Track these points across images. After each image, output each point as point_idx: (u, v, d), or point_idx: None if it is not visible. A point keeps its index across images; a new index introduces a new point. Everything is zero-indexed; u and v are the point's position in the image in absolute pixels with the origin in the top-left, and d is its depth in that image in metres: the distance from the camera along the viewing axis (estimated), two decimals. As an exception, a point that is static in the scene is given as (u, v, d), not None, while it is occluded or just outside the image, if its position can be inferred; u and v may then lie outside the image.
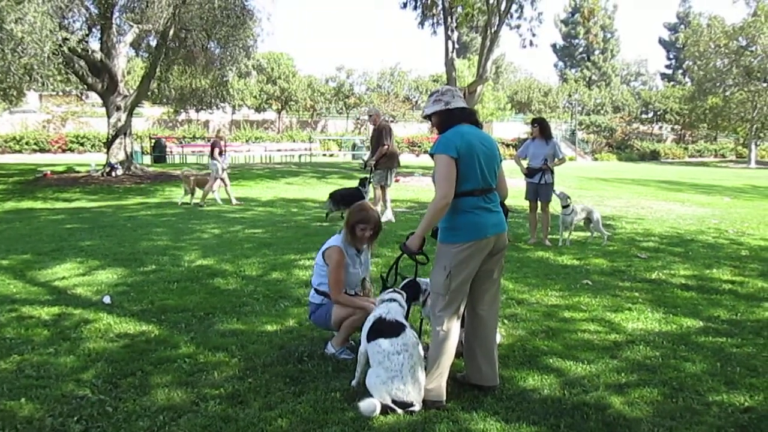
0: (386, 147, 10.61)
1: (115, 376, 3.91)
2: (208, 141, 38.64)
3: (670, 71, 74.07)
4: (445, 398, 3.52)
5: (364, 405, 3.30)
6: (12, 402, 3.55)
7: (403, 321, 3.61)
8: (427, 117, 3.75)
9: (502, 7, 20.75)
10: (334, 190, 11.43)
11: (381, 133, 10.73)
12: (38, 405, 3.51)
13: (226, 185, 13.83)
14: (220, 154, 13.53)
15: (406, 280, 4.17)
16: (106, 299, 5.68)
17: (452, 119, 3.61)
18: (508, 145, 42.53)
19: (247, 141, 40.77)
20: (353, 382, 3.70)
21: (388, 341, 3.45)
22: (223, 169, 13.52)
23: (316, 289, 4.37)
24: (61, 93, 34.43)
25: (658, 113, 59.04)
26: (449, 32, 21.99)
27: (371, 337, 3.54)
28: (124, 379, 3.87)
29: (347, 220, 4.31)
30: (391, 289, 3.85)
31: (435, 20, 24.18)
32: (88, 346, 4.46)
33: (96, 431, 3.22)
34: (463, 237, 3.47)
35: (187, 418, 3.34)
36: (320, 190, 14.57)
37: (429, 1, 23.80)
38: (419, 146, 43.04)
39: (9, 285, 6.33)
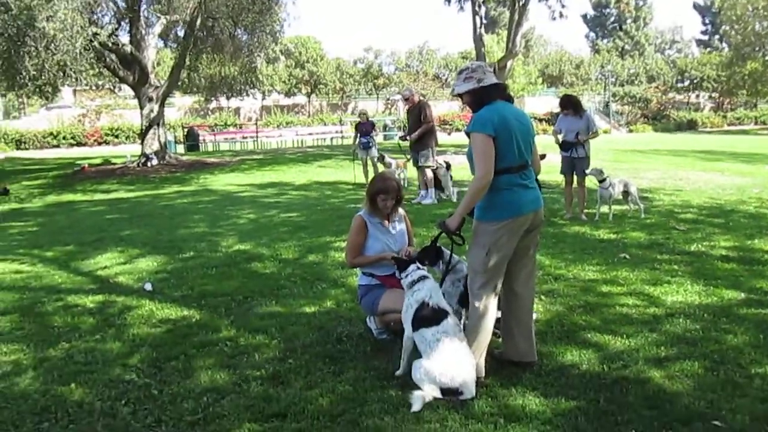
0: (431, 123, 10.56)
1: (159, 360, 4.03)
2: (240, 128, 39.39)
3: (706, 37, 71.76)
4: (484, 374, 3.53)
5: (413, 400, 3.23)
6: (63, 387, 3.68)
7: (445, 306, 3.57)
8: (458, 95, 3.69)
9: (530, -21, 20.31)
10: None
11: (421, 110, 10.66)
12: (87, 389, 3.64)
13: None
14: (364, 135, 13.47)
15: (425, 246, 4.06)
16: (148, 286, 5.82)
17: (486, 97, 3.54)
18: (540, 120, 41.88)
19: (278, 126, 41.01)
20: (398, 372, 3.63)
21: (429, 331, 3.42)
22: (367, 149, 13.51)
23: (362, 271, 4.41)
24: (94, 87, 34.92)
25: (695, 81, 57.33)
26: (477, 7, 21.62)
27: (416, 325, 3.51)
28: (168, 363, 3.98)
29: (368, 190, 4.32)
30: (414, 266, 3.74)
31: (461, -5, 23.78)
32: (132, 332, 4.59)
33: (143, 413, 3.32)
34: (501, 215, 3.44)
35: (230, 399, 3.42)
36: (353, 173, 14.58)
37: (455, -24, 23.40)
38: (450, 124, 42.64)
39: (54, 275, 6.53)
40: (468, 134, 3.49)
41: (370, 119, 14.34)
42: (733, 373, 3.56)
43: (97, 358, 4.13)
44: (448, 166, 10.93)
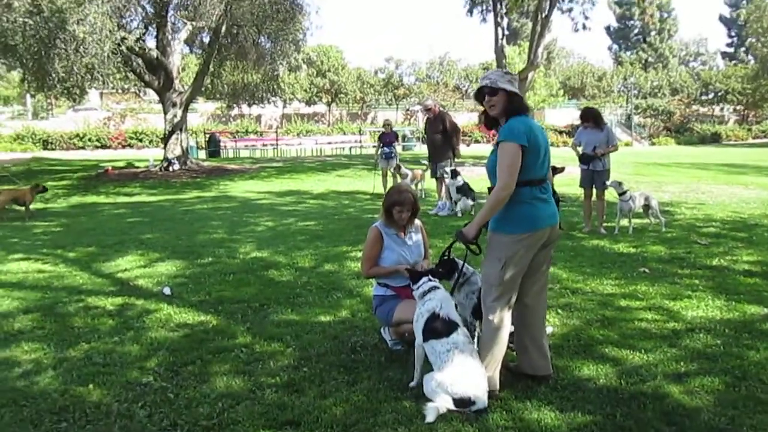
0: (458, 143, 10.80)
1: (176, 364, 4.06)
2: (261, 135, 39.70)
3: (731, 50, 70.99)
4: (498, 387, 3.51)
5: (427, 411, 3.22)
6: (81, 388, 3.73)
7: (456, 317, 3.57)
8: (490, 92, 3.47)
9: (554, -9, 20.29)
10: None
11: (443, 120, 10.68)
12: (105, 391, 3.68)
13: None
14: (387, 145, 13.51)
15: (442, 259, 4.03)
16: (166, 290, 5.88)
17: (519, 105, 3.49)
18: (560, 132, 41.68)
19: (298, 134, 41.27)
20: (412, 383, 3.62)
21: (439, 342, 3.42)
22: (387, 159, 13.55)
23: (377, 281, 4.42)
24: (120, 91, 35.54)
25: (719, 94, 56.66)
26: (499, 19, 21.70)
27: (426, 336, 3.51)
28: (185, 367, 4.01)
29: (384, 201, 4.32)
30: (425, 278, 3.76)
31: (484, 7, 23.90)
32: (150, 335, 4.63)
33: (159, 417, 3.35)
34: (519, 228, 3.41)
35: (245, 405, 3.44)
36: (371, 182, 14.62)
37: (478, -12, 23.50)
38: (470, 136, 42.58)
39: (76, 276, 6.63)
40: (498, 143, 3.43)
41: (393, 130, 14.37)
42: (755, 389, 3.51)
43: (115, 359, 4.18)
44: (454, 174, 10.56)
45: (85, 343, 4.50)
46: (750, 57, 61.20)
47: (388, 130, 14.06)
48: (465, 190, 10.46)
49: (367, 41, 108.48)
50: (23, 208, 11.92)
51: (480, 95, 3.55)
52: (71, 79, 16.92)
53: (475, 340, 3.87)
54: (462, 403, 3.26)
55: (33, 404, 3.53)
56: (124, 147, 37.48)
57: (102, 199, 15.39)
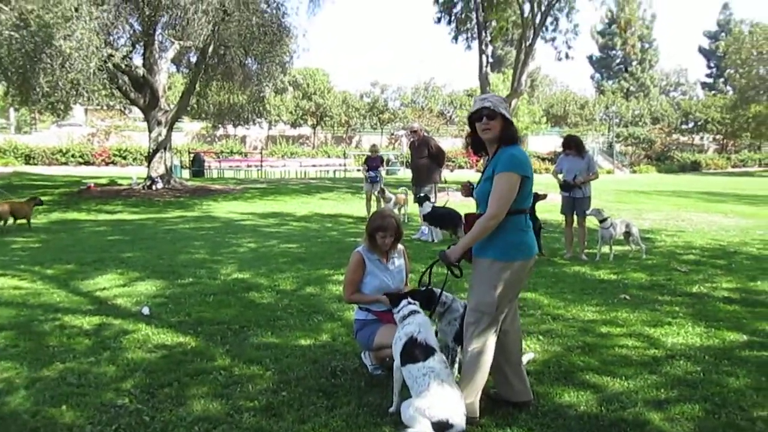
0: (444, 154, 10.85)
1: (152, 386, 3.99)
2: (245, 156, 39.68)
3: (710, 80, 72.58)
4: (478, 414, 3.48)
5: None
6: (53, 409, 3.64)
7: (433, 343, 3.54)
8: (488, 115, 3.40)
9: (537, 21, 20.66)
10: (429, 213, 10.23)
11: (427, 144, 10.73)
12: (79, 413, 3.60)
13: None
14: (372, 169, 13.67)
15: (424, 289, 3.98)
16: (145, 310, 5.80)
17: (514, 135, 3.48)
18: (543, 159, 42.12)
19: (282, 156, 41.31)
20: (391, 408, 3.58)
21: (416, 367, 3.40)
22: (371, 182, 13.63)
23: (359, 305, 4.39)
24: (105, 107, 35.41)
25: (699, 123, 57.83)
26: (483, 46, 21.99)
27: (404, 360, 3.49)
28: (161, 389, 3.94)
29: (367, 226, 4.31)
30: (405, 302, 3.76)
31: (469, 34, 24.21)
32: (127, 356, 4.55)
33: (134, 440, 3.28)
34: (517, 256, 3.41)
35: (222, 430, 3.38)
36: (354, 206, 14.62)
37: (463, 16, 23.85)
38: (454, 161, 42.88)
39: (53, 294, 6.51)
40: (493, 171, 3.39)
41: (378, 154, 14.48)
42: (735, 416, 3.52)
43: (90, 380, 4.09)
44: (421, 200, 10.19)
45: (59, 363, 4.40)
46: (729, 87, 62.60)
47: (373, 154, 14.14)
48: (436, 217, 10.08)
49: (354, 65, 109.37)
50: (21, 222, 11.93)
51: (477, 117, 3.46)
52: (56, 94, 16.82)
53: (456, 366, 3.86)
54: (440, 426, 3.22)
55: (2, 426, 3.43)
56: (107, 164, 37.27)
57: (83, 215, 15.20)
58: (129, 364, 4.38)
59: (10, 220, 11.89)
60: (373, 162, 13.78)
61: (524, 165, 3.38)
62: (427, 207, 10.12)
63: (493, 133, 3.44)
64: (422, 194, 10.37)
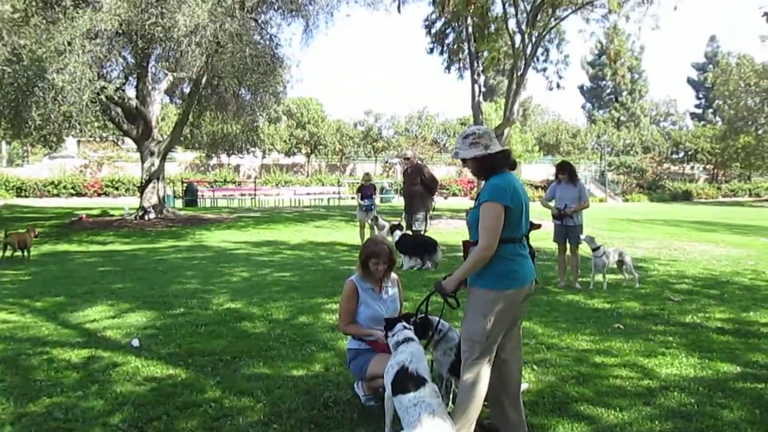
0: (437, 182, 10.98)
1: (141, 420, 3.92)
2: (239, 185, 39.73)
3: (700, 111, 73.58)
4: (472, 446, 3.44)
5: None
6: (40, 446, 3.57)
7: (425, 373, 3.49)
8: (462, 160, 3.62)
9: (528, 51, 20.93)
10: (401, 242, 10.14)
11: (420, 171, 10.80)
12: (65, 449, 3.52)
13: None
14: (366, 197, 13.75)
15: (420, 316, 3.98)
16: (135, 342, 5.73)
17: (494, 164, 3.52)
18: (536, 187, 42.34)
19: (276, 185, 41.39)
20: None
21: (406, 397, 3.36)
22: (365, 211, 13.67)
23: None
24: (98, 139, 35.47)
25: (689, 153, 58.46)
26: (475, 76, 22.23)
27: (395, 390, 3.45)
28: (150, 423, 3.87)
29: (360, 254, 4.32)
30: (400, 325, 3.75)
31: (461, 65, 24.50)
32: (115, 389, 4.48)
33: (121, 476, 3.21)
34: (505, 284, 3.41)
35: (211, 464, 3.31)
36: (348, 234, 14.61)
37: (455, 46, 24.16)
38: (447, 189, 43.08)
39: (41, 327, 6.43)
40: (481, 203, 3.44)
41: (371, 182, 14.56)
42: (729, 451, 3.48)
43: (77, 415, 4.02)
44: (392, 229, 10.18)
45: (46, 398, 4.33)
46: (717, 118, 63.41)
47: (367, 183, 14.21)
48: (407, 245, 9.96)
49: (347, 95, 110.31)
50: (17, 254, 11.93)
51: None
52: (48, 127, 16.80)
53: (451, 397, 3.82)
54: None
55: (-13, 462, 3.37)
56: (99, 195, 37.18)
57: (74, 247, 15.11)
58: (117, 398, 4.31)
59: (18, 252, 11.95)
60: (367, 190, 13.85)
61: (504, 194, 3.38)
62: (397, 235, 10.20)
63: (474, 173, 3.67)
64: (396, 222, 10.50)
